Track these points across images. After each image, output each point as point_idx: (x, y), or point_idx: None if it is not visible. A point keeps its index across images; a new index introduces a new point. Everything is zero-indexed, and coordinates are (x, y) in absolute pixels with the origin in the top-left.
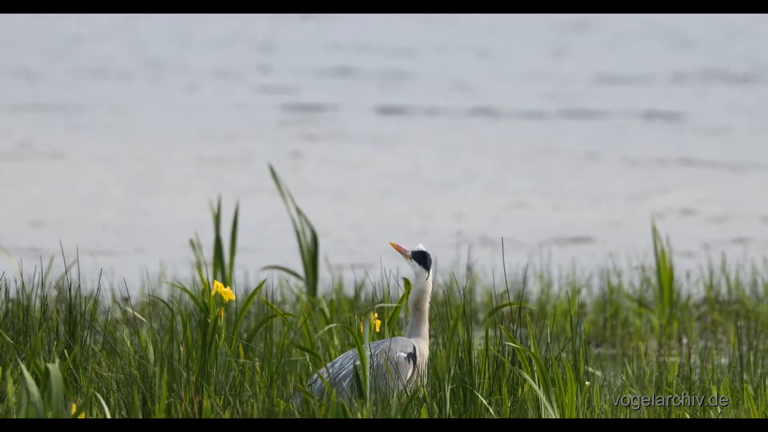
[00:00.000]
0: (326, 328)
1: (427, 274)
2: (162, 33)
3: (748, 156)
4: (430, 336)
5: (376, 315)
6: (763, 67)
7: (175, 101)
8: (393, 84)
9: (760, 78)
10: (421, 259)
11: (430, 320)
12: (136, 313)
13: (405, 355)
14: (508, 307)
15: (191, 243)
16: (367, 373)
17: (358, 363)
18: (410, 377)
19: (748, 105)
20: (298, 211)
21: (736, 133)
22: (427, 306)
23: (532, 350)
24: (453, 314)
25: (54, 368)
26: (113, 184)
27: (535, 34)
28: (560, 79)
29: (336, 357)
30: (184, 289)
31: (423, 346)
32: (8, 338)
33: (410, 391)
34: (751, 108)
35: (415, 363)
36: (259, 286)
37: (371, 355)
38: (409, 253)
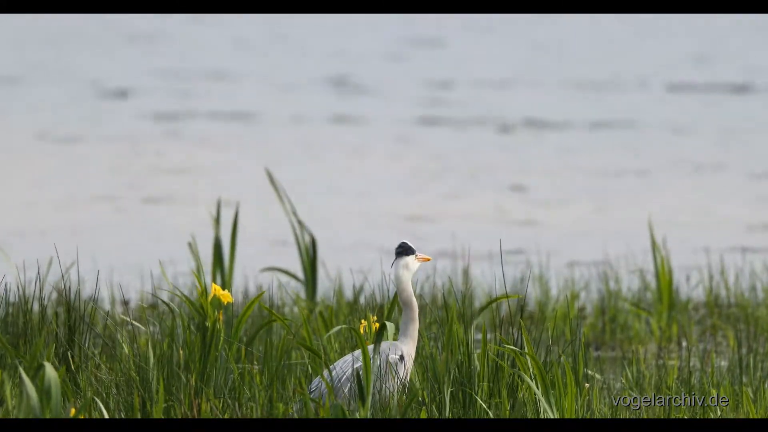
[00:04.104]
0: (334, 329)
1: (400, 260)
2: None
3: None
4: (425, 338)
5: (375, 318)
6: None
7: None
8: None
9: None
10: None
11: (431, 324)
12: (133, 318)
13: (398, 357)
14: (508, 311)
15: (189, 246)
16: (371, 375)
17: (357, 366)
18: (401, 379)
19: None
20: (297, 218)
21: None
22: (410, 299)
23: (528, 351)
24: (451, 316)
25: (51, 370)
26: (112, 186)
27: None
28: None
29: (336, 360)
30: (182, 295)
31: (410, 348)
32: (6, 342)
33: (403, 390)
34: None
35: (404, 365)
36: (259, 295)
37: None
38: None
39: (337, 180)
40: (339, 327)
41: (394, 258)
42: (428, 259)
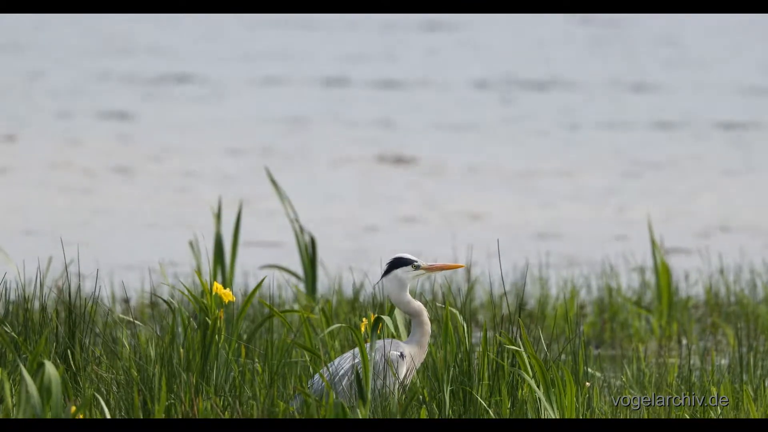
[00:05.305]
0: (333, 327)
1: (388, 275)
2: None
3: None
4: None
5: (375, 317)
6: None
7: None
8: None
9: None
10: None
11: (431, 322)
12: (134, 316)
13: (398, 354)
14: (508, 309)
15: (190, 244)
16: (369, 373)
17: (356, 362)
18: (401, 377)
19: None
20: (296, 217)
21: None
22: (409, 308)
23: (528, 349)
24: (451, 315)
25: (52, 368)
26: (111, 186)
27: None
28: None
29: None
30: (187, 287)
31: (414, 351)
32: (8, 339)
33: (404, 388)
34: None
35: (405, 364)
36: (258, 285)
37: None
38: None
39: (332, 181)
40: (334, 326)
41: (383, 274)
42: (438, 268)
